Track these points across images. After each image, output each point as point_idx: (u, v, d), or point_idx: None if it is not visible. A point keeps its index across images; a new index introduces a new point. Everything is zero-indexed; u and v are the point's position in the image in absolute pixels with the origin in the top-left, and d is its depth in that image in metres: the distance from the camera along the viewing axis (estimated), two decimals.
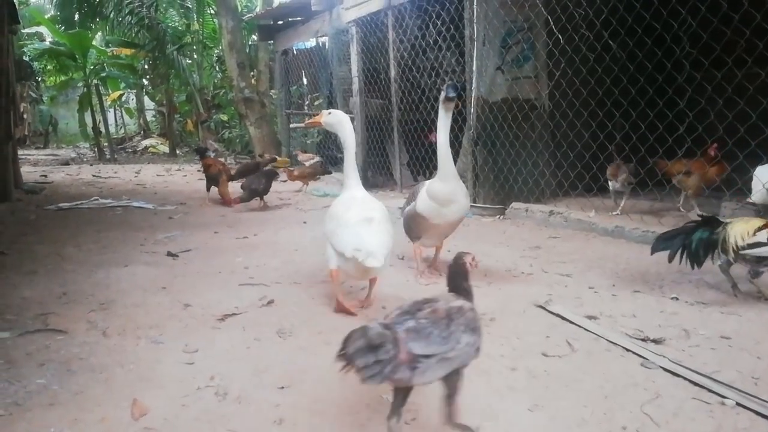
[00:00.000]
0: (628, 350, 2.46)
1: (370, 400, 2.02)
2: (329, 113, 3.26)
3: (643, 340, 2.56)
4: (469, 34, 5.99)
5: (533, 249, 4.36)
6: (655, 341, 2.54)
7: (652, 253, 3.22)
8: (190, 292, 3.27)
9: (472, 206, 6.01)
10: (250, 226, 5.41)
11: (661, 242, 3.19)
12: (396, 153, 7.87)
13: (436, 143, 3.50)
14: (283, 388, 2.12)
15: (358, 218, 2.88)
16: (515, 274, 3.70)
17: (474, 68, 5.91)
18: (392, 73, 7.49)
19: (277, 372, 2.25)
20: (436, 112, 3.44)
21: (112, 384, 2.13)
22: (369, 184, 8.26)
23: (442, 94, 3.31)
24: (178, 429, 1.83)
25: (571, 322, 2.80)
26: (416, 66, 7.51)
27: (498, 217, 5.68)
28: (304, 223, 5.71)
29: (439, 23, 6.63)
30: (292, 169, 8.17)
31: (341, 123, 3.16)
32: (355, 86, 8.29)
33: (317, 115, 3.31)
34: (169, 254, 4.17)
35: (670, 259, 3.13)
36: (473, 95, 5.95)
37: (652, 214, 5.06)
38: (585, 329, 2.71)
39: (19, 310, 2.90)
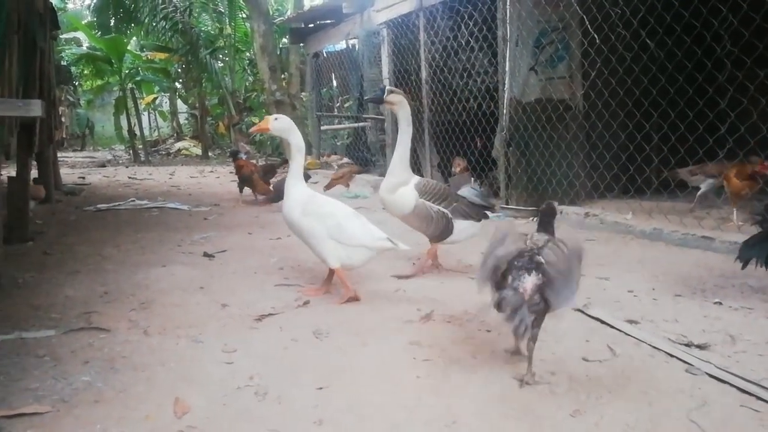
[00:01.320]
0: (671, 356, 2.40)
1: (406, 401, 2.02)
2: (275, 119, 3.30)
3: (687, 345, 2.50)
4: (502, 34, 5.95)
5: None
6: (700, 347, 2.47)
7: (740, 263, 3.03)
8: (227, 293, 3.31)
9: (504, 208, 5.97)
10: (283, 227, 5.41)
11: (749, 249, 3.00)
12: (426, 155, 7.85)
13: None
14: (321, 388, 2.12)
15: (350, 212, 3.17)
16: None
17: (507, 69, 5.87)
18: (423, 74, 7.48)
19: (315, 373, 2.26)
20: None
21: (154, 382, 2.16)
22: None
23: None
24: (220, 427, 1.85)
25: (612, 327, 2.75)
26: (448, 67, 7.49)
27: (531, 219, 5.61)
28: None
29: (471, 24, 6.60)
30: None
31: (290, 128, 3.25)
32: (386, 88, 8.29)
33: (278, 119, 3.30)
34: (206, 255, 4.23)
35: (745, 265, 3.01)
36: (506, 96, 5.90)
37: (688, 215, 4.94)
38: (626, 334, 2.65)
39: (63, 308, 2.97)
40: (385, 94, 3.69)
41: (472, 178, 6.93)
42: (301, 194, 3.21)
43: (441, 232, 3.64)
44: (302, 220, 3.15)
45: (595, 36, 5.18)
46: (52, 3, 7.00)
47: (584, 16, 5.36)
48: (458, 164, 7.50)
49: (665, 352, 2.44)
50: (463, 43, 7.11)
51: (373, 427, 1.87)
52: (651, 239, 4.57)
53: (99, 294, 3.18)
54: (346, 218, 3.12)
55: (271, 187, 6.77)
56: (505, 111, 5.91)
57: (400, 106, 3.60)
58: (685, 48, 5.77)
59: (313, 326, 2.77)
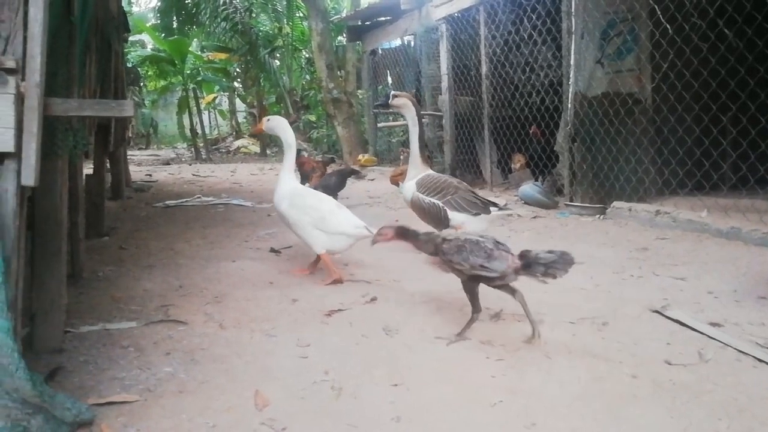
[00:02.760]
0: (760, 361, 2.28)
1: (483, 401, 1.99)
2: (268, 120, 3.73)
3: None
4: (567, 27, 5.81)
5: (640, 251, 4.15)
6: None
7: None
8: (296, 287, 3.36)
9: (568, 205, 5.83)
10: None
11: None
12: (486, 151, 7.75)
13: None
14: (396, 385, 2.12)
15: (334, 205, 3.50)
16: (624, 277, 3.53)
17: (571, 62, 5.72)
18: (483, 69, 7.38)
19: (388, 369, 2.26)
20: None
21: (233, 375, 2.21)
22: None
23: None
24: (299, 421, 1.88)
25: (693, 329, 2.63)
26: (509, 61, 7.36)
27: (598, 216, 5.46)
28: (396, 221, 5.73)
29: (534, 17, 6.47)
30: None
31: (280, 126, 3.64)
32: (444, 84, 8.25)
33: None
34: (272, 250, 4.31)
35: None
36: (570, 90, 5.76)
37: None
38: (709, 337, 2.54)
39: (142, 301, 3.08)
40: (390, 98, 4.01)
41: (536, 175, 6.83)
42: (288, 188, 3.53)
43: (435, 222, 3.79)
44: (289, 212, 3.45)
45: (668, 26, 4.97)
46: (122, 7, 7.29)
47: (655, 6, 5.16)
48: (518, 160, 7.39)
49: (753, 356, 2.32)
50: (526, 37, 6.98)
51: (451, 426, 1.85)
52: (728, 238, 4.36)
53: (174, 287, 3.29)
54: (329, 209, 3.43)
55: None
56: (569, 105, 5.76)
57: (405, 107, 3.89)
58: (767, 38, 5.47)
59: (382, 323, 2.77)
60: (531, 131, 6.89)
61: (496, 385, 2.12)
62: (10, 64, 1.57)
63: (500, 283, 2.50)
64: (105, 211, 5.11)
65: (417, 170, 3.93)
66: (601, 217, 5.45)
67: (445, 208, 3.73)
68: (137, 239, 4.70)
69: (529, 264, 2.42)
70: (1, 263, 1.52)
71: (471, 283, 2.53)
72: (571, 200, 5.83)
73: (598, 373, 2.20)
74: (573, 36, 5.67)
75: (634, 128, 5.57)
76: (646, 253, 4.08)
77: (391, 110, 11.01)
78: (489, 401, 1.99)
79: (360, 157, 10.63)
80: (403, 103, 3.92)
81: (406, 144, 11.06)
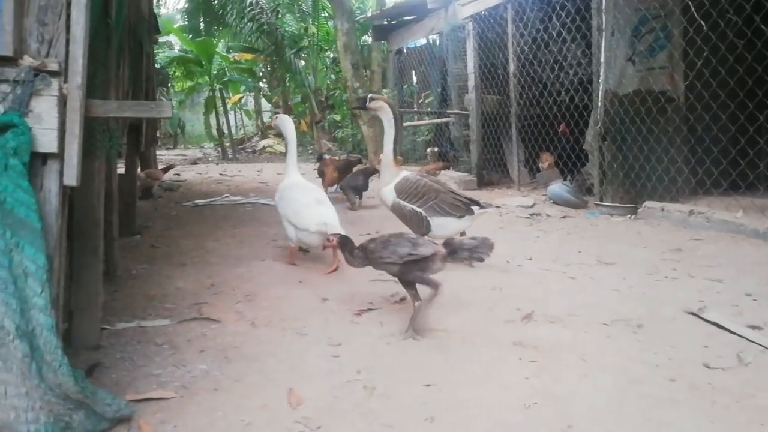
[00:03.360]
0: None
1: (518, 403, 1.97)
2: (277, 117, 4.24)
3: None
4: (597, 24, 5.73)
5: (674, 251, 4.08)
6: None
7: None
8: (325, 286, 3.37)
9: (598, 205, 5.75)
10: (370, 224, 5.49)
11: None
12: (514, 150, 7.69)
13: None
14: (428, 385, 2.11)
15: (312, 200, 3.67)
16: (658, 279, 3.47)
17: (602, 60, 5.64)
18: (511, 67, 7.32)
19: (419, 369, 2.25)
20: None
21: (266, 373, 2.23)
22: (483, 182, 8.14)
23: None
24: (334, 420, 1.88)
25: (731, 332, 2.57)
26: (537, 60, 7.29)
27: (629, 216, 5.37)
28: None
29: (563, 14, 6.39)
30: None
31: (283, 123, 4.07)
32: (471, 82, 8.20)
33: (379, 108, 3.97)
34: (300, 249, 4.33)
35: None
36: (601, 88, 5.68)
37: None
38: (749, 340, 2.48)
39: (175, 299, 3.12)
40: (368, 102, 4.14)
41: (565, 175, 6.75)
42: (286, 181, 3.86)
43: (417, 227, 3.76)
44: (278, 203, 3.82)
45: (702, 23, 4.86)
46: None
47: (689, 2, 5.05)
48: (545, 159, 7.32)
49: None
50: (555, 35, 6.90)
51: (485, 428, 1.84)
52: (765, 239, 4.25)
53: (206, 286, 3.33)
54: (305, 204, 3.65)
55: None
56: (599, 104, 5.68)
57: (382, 110, 3.93)
58: None
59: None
60: (560, 129, 6.81)
61: (530, 387, 2.10)
62: (54, 66, 1.61)
63: (433, 269, 2.63)
64: (137, 210, 5.19)
65: (391, 173, 3.92)
66: (633, 217, 5.36)
67: (427, 216, 3.73)
68: (168, 238, 4.77)
69: (454, 250, 2.61)
70: (45, 262, 1.55)
71: (406, 275, 2.63)
72: (601, 200, 5.75)
73: (634, 376, 2.16)
74: (603, 33, 5.59)
75: (667, 127, 5.46)
76: (680, 254, 4.01)
77: (416, 112, 10.91)
78: (523, 403, 1.98)
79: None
80: (380, 105, 3.98)
81: (430, 143, 11.06)
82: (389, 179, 3.90)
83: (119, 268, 3.59)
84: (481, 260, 2.70)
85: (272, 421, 1.87)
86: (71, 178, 1.65)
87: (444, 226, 3.75)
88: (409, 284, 2.66)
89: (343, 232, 3.30)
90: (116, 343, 2.50)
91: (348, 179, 6.67)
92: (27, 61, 1.59)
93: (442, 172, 8.20)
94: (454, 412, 1.93)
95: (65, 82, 1.64)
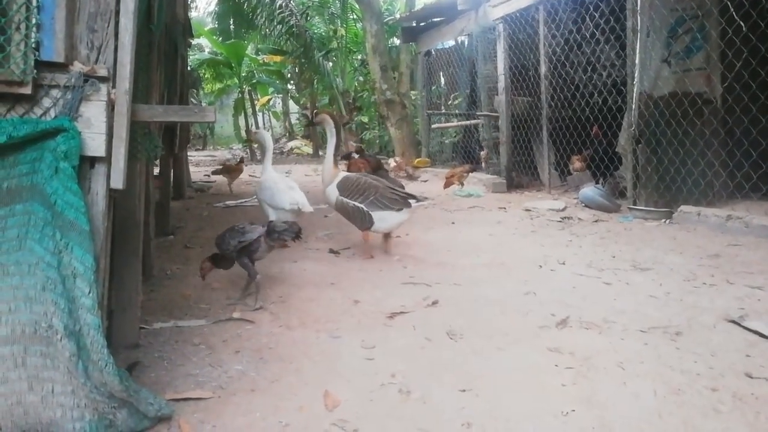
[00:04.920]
0: None
1: (555, 410, 1.95)
2: (256, 132, 5.71)
3: None
4: (632, 25, 5.64)
5: (712, 257, 3.99)
6: None
7: None
8: (357, 289, 3.38)
9: (632, 209, 5.66)
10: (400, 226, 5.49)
11: None
12: (545, 152, 7.60)
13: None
14: (464, 390, 2.11)
15: (285, 186, 4.36)
16: (696, 285, 3.39)
17: (636, 61, 5.55)
18: (542, 69, 7.24)
19: (455, 374, 2.25)
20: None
21: (302, 374, 2.24)
22: (513, 184, 8.07)
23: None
24: (370, 423, 1.88)
25: None
26: (569, 61, 7.20)
27: (663, 221, 5.27)
28: (452, 223, 5.70)
29: (597, 15, 6.30)
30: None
31: (263, 136, 5.02)
32: (501, 84, 8.14)
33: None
34: (331, 251, 4.35)
35: None
36: (635, 90, 5.59)
37: None
38: None
39: (209, 299, 3.17)
40: (313, 118, 4.86)
41: (597, 178, 6.66)
42: (263, 176, 4.49)
43: (360, 222, 4.14)
44: (259, 193, 4.49)
45: (741, 23, 4.75)
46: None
47: (728, 2, 4.94)
48: (577, 162, 7.23)
49: None
50: (588, 36, 6.81)
51: None
52: None
53: (240, 287, 3.36)
54: (279, 189, 4.32)
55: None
56: (633, 106, 5.59)
57: (325, 122, 4.51)
58: None
59: (445, 326, 2.76)
60: (593, 132, 6.71)
61: (568, 394, 2.08)
62: (103, 72, 1.64)
63: (260, 253, 3.17)
64: (170, 211, 5.28)
65: (331, 175, 4.36)
66: (667, 221, 5.26)
67: (369, 211, 4.05)
68: (201, 238, 4.84)
69: (269, 231, 3.13)
70: (92, 263, 1.59)
71: (241, 258, 3.11)
72: (635, 204, 5.65)
73: (674, 385, 2.12)
74: (638, 34, 5.50)
75: (704, 129, 5.35)
76: (718, 260, 3.92)
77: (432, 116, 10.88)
78: (561, 410, 1.95)
79: (391, 160, 10.59)
80: (323, 119, 4.57)
81: (458, 146, 11.02)
82: (330, 179, 4.34)
83: (155, 268, 3.66)
84: (284, 241, 3.22)
85: (309, 422, 1.89)
86: (118, 182, 1.68)
87: (385, 219, 4.09)
88: (244, 264, 3.12)
89: (311, 209, 4.33)
90: (154, 342, 2.55)
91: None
92: (77, 66, 1.63)
93: (470, 174, 8.17)
94: (491, 418, 1.92)
95: (113, 87, 1.67)
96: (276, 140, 22.77)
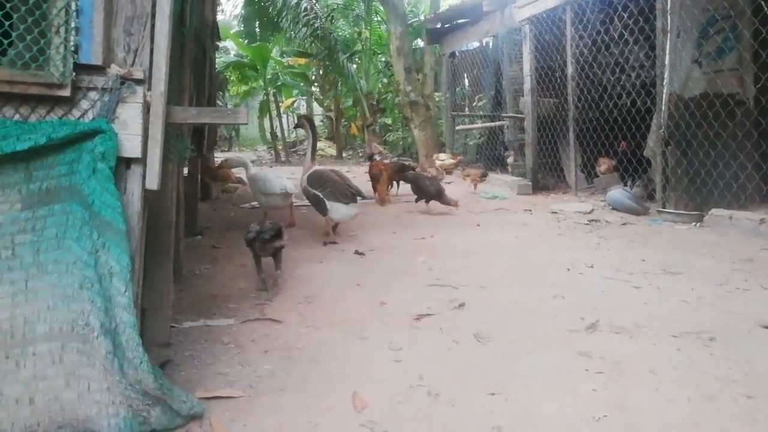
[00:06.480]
0: None
1: (587, 415, 1.93)
2: (227, 160, 6.84)
3: None
4: (662, 25, 5.55)
5: (745, 262, 3.90)
6: None
7: None
8: (383, 290, 3.38)
9: (661, 212, 5.56)
10: (425, 227, 5.49)
11: None
12: (571, 154, 7.52)
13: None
14: (493, 394, 2.09)
15: (274, 176, 5.29)
16: (728, 290, 3.32)
17: (666, 62, 5.46)
18: (569, 70, 7.17)
19: (483, 377, 2.23)
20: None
21: (330, 375, 2.25)
22: (538, 186, 8.00)
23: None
24: (399, 425, 1.88)
25: None
26: (597, 62, 7.12)
27: (694, 224, 5.17)
28: (478, 225, 5.67)
29: (625, 16, 6.22)
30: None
31: (237, 158, 6.05)
32: (527, 85, 8.08)
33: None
34: (357, 252, 4.36)
35: None
36: (665, 91, 5.49)
37: None
38: None
39: (238, 299, 3.20)
40: (297, 122, 6.17)
41: (625, 180, 6.56)
42: (250, 173, 5.46)
43: (318, 208, 4.84)
44: (253, 185, 5.32)
45: None
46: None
47: (762, 1, 4.84)
48: (604, 164, 7.13)
49: None
50: (616, 36, 6.72)
51: None
52: None
53: (267, 287, 3.39)
54: (269, 178, 5.22)
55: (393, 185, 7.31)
56: (663, 107, 5.49)
57: (305, 126, 5.62)
58: None
59: (473, 329, 2.74)
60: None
61: (598, 399, 2.05)
62: (139, 74, 1.67)
63: (259, 251, 3.39)
64: (198, 212, 5.34)
65: (307, 167, 5.09)
66: (698, 224, 5.16)
67: (325, 199, 4.68)
68: (228, 239, 4.89)
69: (246, 233, 3.40)
70: (129, 263, 1.62)
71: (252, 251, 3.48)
72: (664, 206, 5.56)
73: (709, 392, 2.08)
74: (668, 34, 5.41)
75: (736, 131, 5.24)
76: (751, 265, 3.83)
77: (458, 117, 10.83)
78: (592, 415, 1.93)
79: (436, 157, 10.44)
80: (302, 123, 5.78)
81: (482, 147, 10.96)
82: (306, 171, 5.04)
83: (184, 268, 3.70)
84: (265, 241, 3.31)
85: (339, 423, 1.89)
86: (153, 182, 1.71)
87: (337, 209, 4.69)
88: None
89: (296, 191, 5.20)
90: (184, 341, 2.58)
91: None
92: (114, 69, 1.66)
93: (496, 176, 8.11)
94: (521, 422, 1.90)
95: (149, 89, 1.70)
96: (300, 142, 22.92)
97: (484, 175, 8.08)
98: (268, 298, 3.21)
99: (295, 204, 7.07)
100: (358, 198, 4.70)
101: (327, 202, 4.69)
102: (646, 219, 5.61)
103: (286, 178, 5.13)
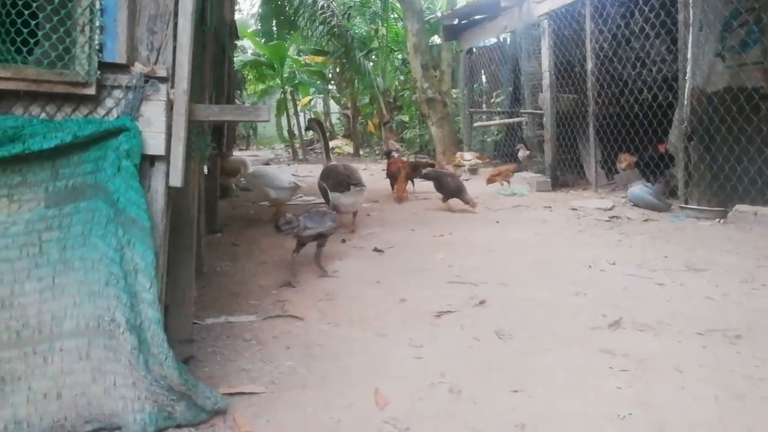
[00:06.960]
0: None
1: (611, 413, 1.91)
2: (231, 158, 6.85)
3: None
4: (684, 18, 5.46)
5: None
6: None
7: None
8: (402, 287, 3.37)
9: (683, 208, 5.48)
10: (444, 225, 5.47)
11: None
12: (591, 150, 7.44)
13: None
14: (516, 391, 2.08)
15: (277, 171, 5.31)
16: (754, 287, 3.27)
17: (689, 56, 5.38)
18: (589, 65, 7.09)
19: (505, 374, 2.22)
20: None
21: (351, 372, 2.25)
22: (558, 183, 7.94)
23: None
24: (421, 422, 1.88)
25: None
26: (617, 57, 7.03)
27: (717, 220, 5.09)
28: (497, 222, 5.63)
29: (646, 9, 6.13)
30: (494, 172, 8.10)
31: (236, 158, 6.71)
32: (546, 81, 8.01)
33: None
34: (376, 250, 4.36)
35: None
36: (687, 86, 5.41)
37: None
38: None
39: (259, 296, 3.22)
40: (308, 123, 6.59)
41: (646, 176, 6.47)
42: (250, 171, 6.06)
43: (325, 198, 5.22)
44: (258, 181, 5.69)
45: None
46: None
47: None
48: (624, 160, 7.05)
49: None
50: (637, 31, 6.63)
51: None
52: None
53: (287, 284, 3.40)
54: (274, 173, 5.78)
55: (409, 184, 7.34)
56: (686, 102, 5.41)
57: (312, 128, 6.32)
58: None
59: (493, 326, 2.73)
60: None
61: (623, 397, 2.03)
62: (162, 72, 1.69)
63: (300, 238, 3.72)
64: (218, 210, 5.39)
65: (325, 163, 5.53)
66: (722, 221, 5.08)
67: (328, 189, 5.08)
68: (247, 236, 4.92)
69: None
70: (153, 259, 1.64)
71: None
72: (686, 203, 5.48)
73: (736, 390, 2.05)
74: (691, 28, 5.32)
75: (761, 125, 5.14)
76: None
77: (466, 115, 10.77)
78: (617, 413, 1.91)
79: (461, 156, 10.31)
80: (313, 126, 6.40)
81: (500, 144, 10.89)
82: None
83: (205, 265, 3.73)
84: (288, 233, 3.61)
85: (361, 419, 1.89)
86: (176, 180, 1.73)
87: (337, 198, 5.02)
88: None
89: (303, 185, 5.76)
90: (207, 337, 2.60)
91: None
92: (138, 67, 1.68)
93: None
94: (544, 419, 1.89)
95: (172, 87, 1.72)
96: (317, 140, 22.99)
97: (515, 171, 8.02)
98: (295, 283, 3.43)
99: (303, 199, 7.20)
100: (352, 186, 4.99)
101: (330, 193, 5.08)
102: (668, 215, 5.53)
103: (288, 173, 5.69)
